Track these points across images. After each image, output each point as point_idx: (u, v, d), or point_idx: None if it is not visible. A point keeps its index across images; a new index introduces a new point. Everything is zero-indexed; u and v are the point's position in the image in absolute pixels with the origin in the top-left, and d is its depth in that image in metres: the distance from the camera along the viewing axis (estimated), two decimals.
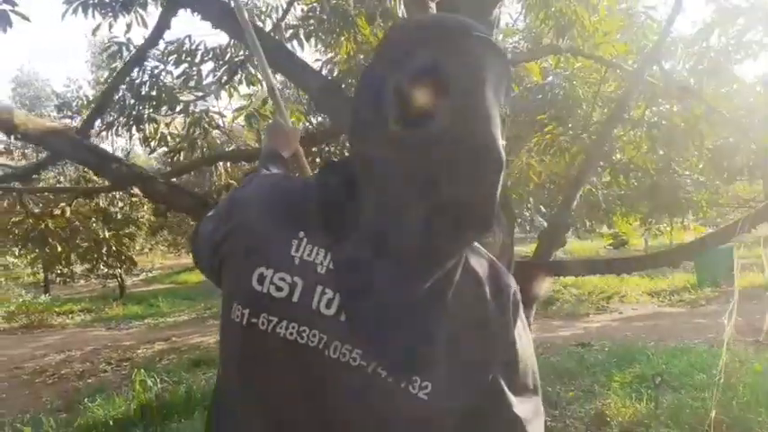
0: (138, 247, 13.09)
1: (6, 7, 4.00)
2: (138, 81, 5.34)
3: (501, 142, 0.77)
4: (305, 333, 0.77)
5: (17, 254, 10.64)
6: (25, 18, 4.03)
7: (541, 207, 8.53)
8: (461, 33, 0.79)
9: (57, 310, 12.10)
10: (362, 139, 0.80)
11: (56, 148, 1.99)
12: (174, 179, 5.07)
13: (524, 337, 0.86)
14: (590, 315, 9.34)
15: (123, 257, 8.16)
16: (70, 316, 11.94)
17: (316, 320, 0.77)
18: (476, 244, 0.86)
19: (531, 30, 6.81)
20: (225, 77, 5.81)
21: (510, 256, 2.73)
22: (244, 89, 5.98)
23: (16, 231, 5.76)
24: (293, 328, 0.78)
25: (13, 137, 2.02)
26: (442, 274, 0.77)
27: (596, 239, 14.55)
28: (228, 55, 5.94)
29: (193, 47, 5.68)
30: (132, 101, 5.52)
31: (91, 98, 8.77)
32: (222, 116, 6.42)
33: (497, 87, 0.78)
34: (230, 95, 5.97)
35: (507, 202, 2.37)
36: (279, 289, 0.80)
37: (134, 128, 5.65)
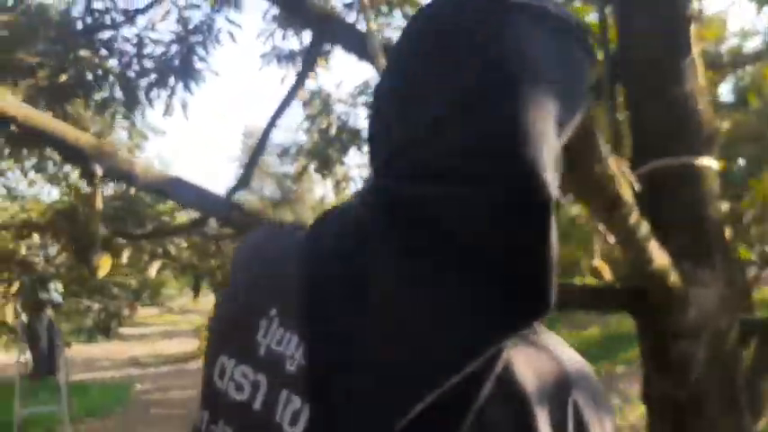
0: None
1: (201, 66, 4.34)
2: (324, 125, 5.48)
3: (547, 170, 0.51)
4: None
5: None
6: (215, 73, 4.29)
7: None
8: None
9: None
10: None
11: (180, 198, 1.89)
12: None
13: None
14: None
15: None
16: None
17: None
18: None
19: None
20: None
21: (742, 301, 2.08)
22: None
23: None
24: None
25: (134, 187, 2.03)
26: (456, 386, 0.48)
27: None
28: None
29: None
30: (322, 144, 5.69)
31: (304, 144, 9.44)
32: None
33: (554, 83, 0.55)
34: None
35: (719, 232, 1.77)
36: (239, 388, 0.59)
37: (324, 171, 5.80)
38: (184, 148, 64.98)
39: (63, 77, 3.83)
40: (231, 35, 5.31)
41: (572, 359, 0.55)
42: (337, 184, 6.08)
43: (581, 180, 1.25)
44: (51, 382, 7.07)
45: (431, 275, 0.51)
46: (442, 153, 0.53)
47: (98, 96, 4.55)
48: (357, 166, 6.05)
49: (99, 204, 1.79)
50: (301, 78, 3.12)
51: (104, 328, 8.03)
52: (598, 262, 2.35)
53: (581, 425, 0.53)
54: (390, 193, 0.55)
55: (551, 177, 0.51)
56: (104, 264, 1.75)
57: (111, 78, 4.40)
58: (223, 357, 0.61)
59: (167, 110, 4.46)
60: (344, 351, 0.52)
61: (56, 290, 6.74)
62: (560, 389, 0.52)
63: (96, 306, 8.18)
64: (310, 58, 3.28)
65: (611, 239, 1.46)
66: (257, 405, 0.57)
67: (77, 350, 12.22)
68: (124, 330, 16.29)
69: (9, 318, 7.45)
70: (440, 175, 0.52)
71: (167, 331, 16.95)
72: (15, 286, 6.68)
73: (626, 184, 1.34)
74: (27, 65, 3.84)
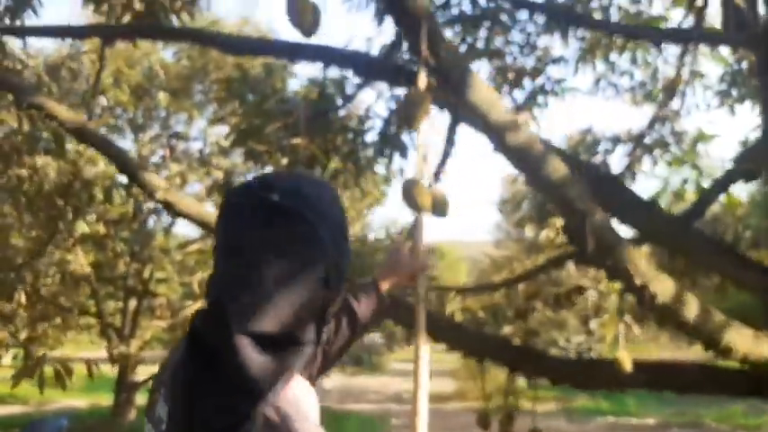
0: None
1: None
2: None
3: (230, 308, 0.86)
4: None
5: None
6: None
7: None
8: (231, 197, 0.96)
9: (529, 394, 12.74)
10: None
11: None
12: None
13: None
14: None
15: None
16: (541, 402, 12.37)
17: None
18: None
19: None
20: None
21: None
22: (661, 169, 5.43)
23: None
24: None
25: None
26: None
27: None
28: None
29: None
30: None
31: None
32: None
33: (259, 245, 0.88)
34: None
35: None
36: None
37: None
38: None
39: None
40: None
41: None
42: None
43: None
44: None
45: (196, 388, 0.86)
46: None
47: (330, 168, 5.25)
48: None
49: None
50: None
51: (357, 360, 8.93)
52: (622, 352, 2.06)
53: None
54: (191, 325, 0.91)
55: (236, 312, 0.85)
56: None
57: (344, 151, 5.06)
58: (148, 425, 0.96)
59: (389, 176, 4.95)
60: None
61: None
62: None
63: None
64: None
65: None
66: None
67: (348, 382, 13.58)
68: (396, 365, 17.59)
69: None
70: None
71: (432, 370, 17.75)
72: None
73: None
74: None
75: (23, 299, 5.12)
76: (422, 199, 1.49)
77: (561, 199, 1.74)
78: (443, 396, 12.82)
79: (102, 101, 7.06)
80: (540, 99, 5.35)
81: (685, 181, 5.95)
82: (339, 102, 4.91)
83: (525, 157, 1.71)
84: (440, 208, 1.57)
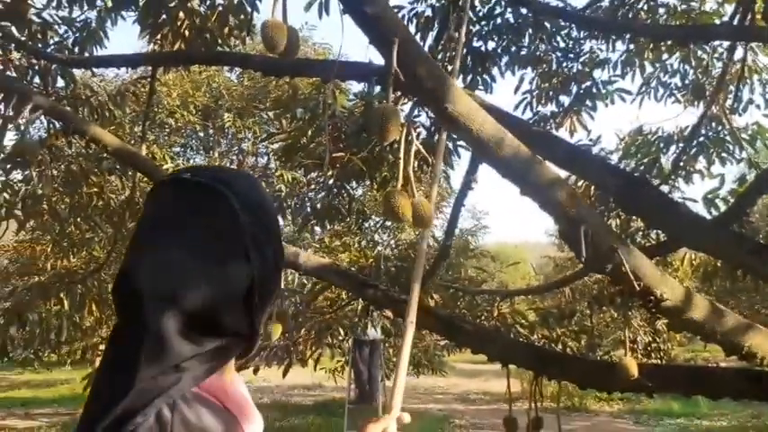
0: None
1: None
2: None
3: (145, 272, 0.80)
4: None
5: None
6: None
7: None
8: (162, 179, 0.95)
9: (597, 395, 12.53)
10: None
11: (330, 280, 2.45)
12: None
13: None
14: None
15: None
16: (609, 403, 12.15)
17: None
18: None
19: None
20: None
21: None
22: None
23: None
24: None
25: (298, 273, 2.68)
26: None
27: None
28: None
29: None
30: None
31: None
32: None
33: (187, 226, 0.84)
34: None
35: None
36: None
37: None
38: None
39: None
40: None
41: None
42: None
43: None
44: (373, 408, 8.38)
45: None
46: None
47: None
48: None
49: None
50: None
51: (417, 364, 9.16)
52: (627, 357, 2.07)
53: None
54: None
55: (147, 283, 0.78)
56: (275, 329, 2.45)
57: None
58: None
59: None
60: None
61: (374, 328, 8.04)
62: None
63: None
64: None
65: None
66: None
67: (410, 381, 13.77)
68: (462, 366, 17.64)
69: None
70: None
71: (498, 370, 17.64)
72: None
73: None
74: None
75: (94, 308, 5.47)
76: (402, 210, 1.53)
77: (551, 205, 1.73)
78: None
79: (171, 122, 7.65)
80: (588, 102, 5.40)
81: (742, 178, 5.81)
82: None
83: (510, 165, 1.69)
84: (420, 219, 1.58)
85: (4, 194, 3.76)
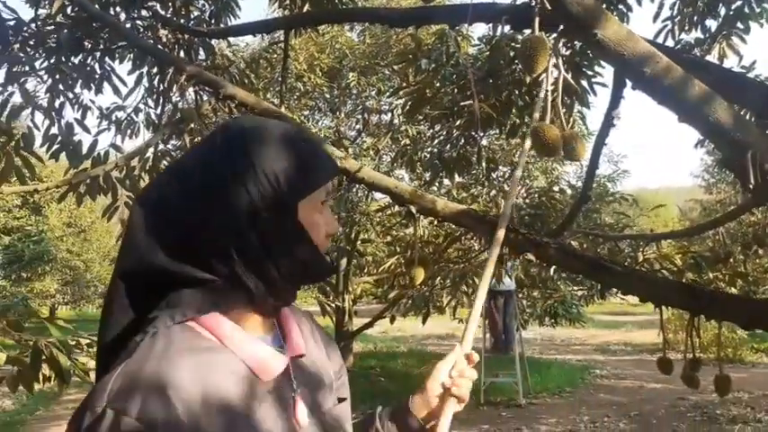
0: None
1: None
2: None
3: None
4: None
5: None
6: None
7: None
8: None
9: (754, 346, 11.63)
10: None
11: (468, 226, 2.48)
12: None
13: None
14: None
15: None
16: None
17: None
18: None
19: None
20: None
21: None
22: None
23: None
24: None
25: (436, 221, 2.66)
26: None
27: None
28: None
29: None
30: None
31: None
32: None
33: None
34: None
35: None
36: None
37: None
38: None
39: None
40: None
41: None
42: None
43: None
44: (508, 357, 8.41)
45: None
46: None
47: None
48: None
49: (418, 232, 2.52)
50: None
51: (554, 315, 8.99)
52: None
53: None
54: None
55: (140, 217, 0.84)
56: (418, 273, 2.52)
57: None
58: None
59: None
60: None
61: (509, 277, 8.01)
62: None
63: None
64: None
65: None
66: None
67: (547, 332, 13.60)
68: (600, 317, 17.12)
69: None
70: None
71: (640, 321, 16.95)
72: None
73: None
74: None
75: None
76: (554, 142, 1.49)
77: (712, 128, 1.58)
78: (652, 347, 12.30)
79: (299, 86, 7.94)
80: (740, 24, 4.86)
81: None
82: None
83: (666, 88, 1.57)
84: (571, 150, 1.54)
85: (164, 162, 4.11)
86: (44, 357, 2.33)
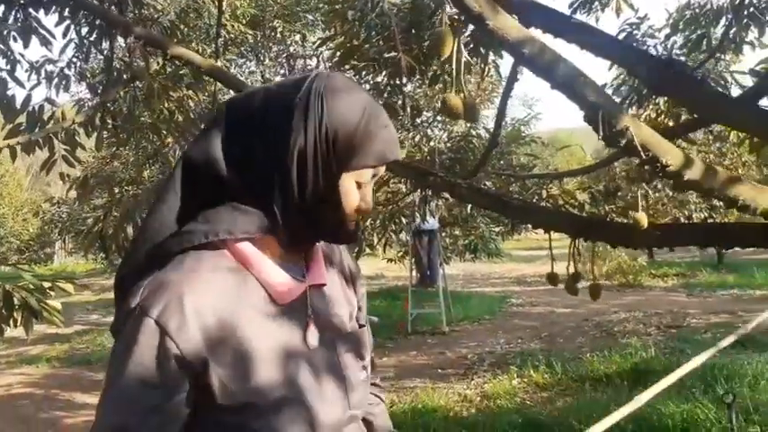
0: None
1: None
2: None
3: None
4: None
5: None
6: None
7: None
8: None
9: (653, 272, 12.94)
10: None
11: (394, 171, 2.84)
12: None
13: None
14: None
15: None
16: (664, 279, 12.58)
17: None
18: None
19: None
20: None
21: None
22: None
23: None
24: None
25: None
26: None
27: None
28: None
29: None
30: None
31: None
32: None
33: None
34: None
35: None
36: None
37: None
38: None
39: None
40: None
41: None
42: None
43: None
44: (433, 291, 9.08)
45: None
46: None
47: None
48: None
49: None
50: None
51: (474, 251, 9.69)
52: (639, 214, 2.36)
53: None
54: None
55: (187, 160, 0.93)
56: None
57: None
58: None
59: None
60: None
61: (433, 217, 8.54)
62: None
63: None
64: None
65: None
66: None
67: (469, 267, 14.43)
68: (518, 252, 18.23)
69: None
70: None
71: (555, 255, 18.09)
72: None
73: None
74: None
75: None
76: (455, 108, 1.99)
77: (576, 96, 1.97)
78: (563, 277, 13.29)
79: (223, 34, 7.93)
80: None
81: None
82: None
83: (537, 64, 1.94)
84: (470, 113, 2.05)
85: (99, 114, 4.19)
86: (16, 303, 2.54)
